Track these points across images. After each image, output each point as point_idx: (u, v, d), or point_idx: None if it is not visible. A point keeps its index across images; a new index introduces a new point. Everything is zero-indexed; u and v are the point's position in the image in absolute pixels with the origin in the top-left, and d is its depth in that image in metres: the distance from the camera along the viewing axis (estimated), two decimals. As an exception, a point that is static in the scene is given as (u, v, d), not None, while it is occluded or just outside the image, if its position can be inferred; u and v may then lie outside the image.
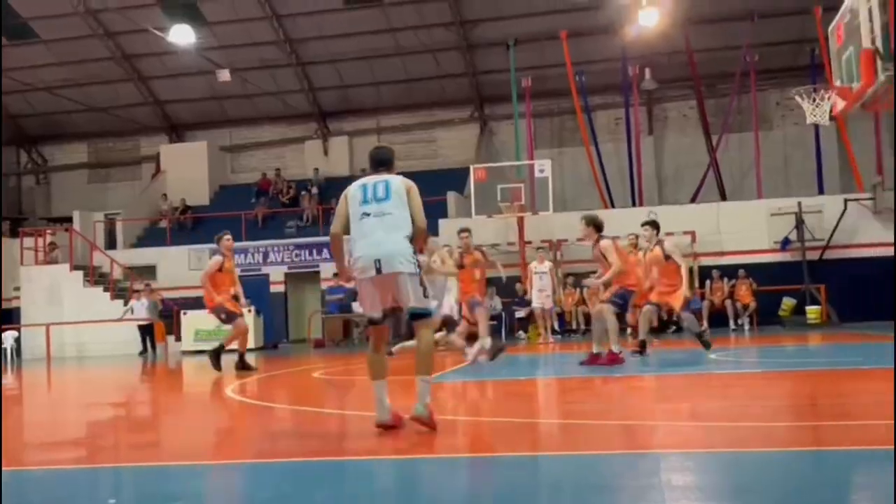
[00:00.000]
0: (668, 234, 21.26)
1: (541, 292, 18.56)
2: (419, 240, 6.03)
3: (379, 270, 5.78)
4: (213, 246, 24.83)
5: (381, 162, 6.27)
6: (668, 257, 11.31)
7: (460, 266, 11.87)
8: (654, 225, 11.61)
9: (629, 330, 13.73)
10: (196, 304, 22.22)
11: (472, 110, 28.24)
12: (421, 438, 5.61)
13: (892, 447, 4.30)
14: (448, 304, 12.29)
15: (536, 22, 24.65)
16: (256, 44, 26.58)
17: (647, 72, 25.07)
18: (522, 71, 24.85)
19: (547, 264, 19.02)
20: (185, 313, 21.36)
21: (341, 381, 11.52)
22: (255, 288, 24.16)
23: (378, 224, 5.87)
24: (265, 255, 24.87)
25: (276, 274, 24.78)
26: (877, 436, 5.21)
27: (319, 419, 7.28)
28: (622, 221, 22.50)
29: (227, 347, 12.84)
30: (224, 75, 25.00)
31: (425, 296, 5.89)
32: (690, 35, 24.08)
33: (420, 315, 5.91)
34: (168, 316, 22.38)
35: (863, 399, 7.17)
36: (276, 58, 27.11)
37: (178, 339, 21.51)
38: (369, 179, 6.09)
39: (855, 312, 20.31)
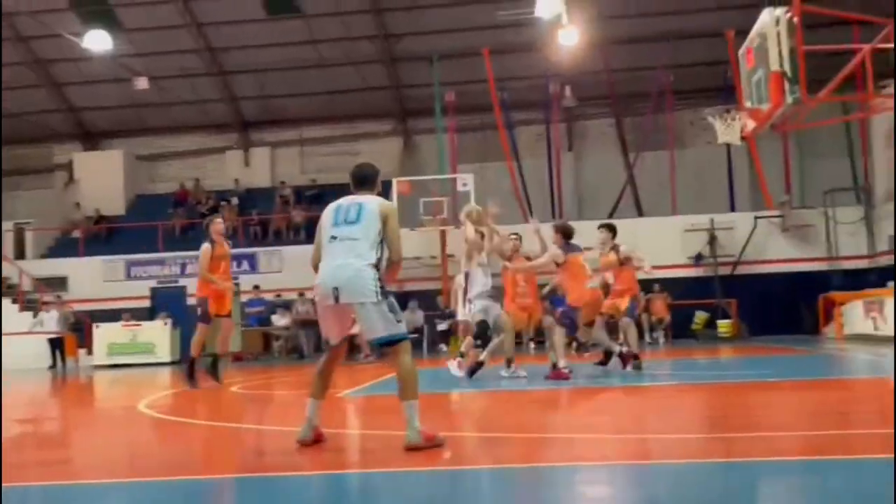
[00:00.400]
0: (587, 248, 21.72)
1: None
2: (393, 270, 5.72)
3: (337, 300, 5.53)
4: (130, 257, 24.30)
5: (361, 180, 5.95)
6: (623, 262, 11.29)
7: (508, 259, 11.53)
8: (610, 228, 11.51)
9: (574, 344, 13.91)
10: (109, 316, 21.72)
11: (395, 123, 28.28)
12: (336, 454, 5.57)
13: (809, 457, 4.45)
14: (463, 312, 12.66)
15: (460, 38, 24.87)
16: (176, 52, 26.12)
17: (568, 89, 25.53)
18: (446, 85, 25.04)
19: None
20: (97, 326, 20.79)
21: (260, 395, 11.36)
22: (172, 300, 23.74)
23: (342, 249, 5.59)
24: (183, 267, 24.40)
25: (194, 286, 24.22)
26: (783, 447, 5.39)
27: (235, 435, 7.17)
28: (543, 235, 22.87)
29: (221, 353, 12.16)
30: (142, 83, 24.51)
31: (397, 319, 5.59)
32: (609, 55, 24.62)
33: (392, 342, 5.61)
34: (80, 329, 21.75)
35: (770, 411, 7.39)
36: (196, 66, 26.70)
37: (91, 352, 20.90)
38: (345, 200, 5.81)
39: (764, 326, 21.04)
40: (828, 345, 17.32)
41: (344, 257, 5.57)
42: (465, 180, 22.15)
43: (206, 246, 12.05)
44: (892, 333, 16.34)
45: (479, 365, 11.03)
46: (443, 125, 25.48)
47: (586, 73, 24.88)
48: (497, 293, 11.65)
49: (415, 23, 25.19)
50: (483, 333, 11.63)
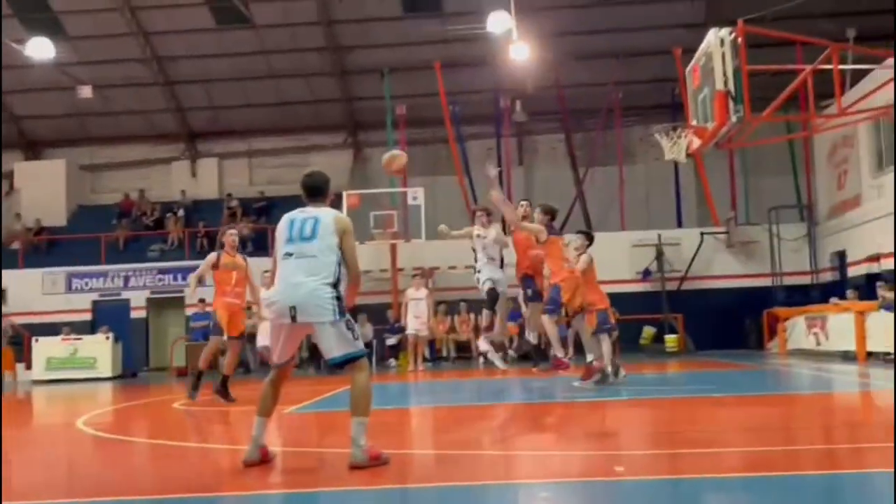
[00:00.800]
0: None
1: (417, 319, 18.42)
2: (352, 288, 5.63)
3: (294, 319, 5.42)
4: (71, 269, 23.79)
5: (313, 191, 5.84)
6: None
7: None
8: (588, 237, 11.47)
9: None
10: (49, 330, 21.18)
11: (345, 136, 28.14)
12: (281, 473, 5.45)
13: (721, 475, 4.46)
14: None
15: (411, 51, 24.87)
16: (122, 60, 25.69)
17: (519, 104, 25.68)
18: (397, 99, 25.00)
19: (423, 291, 18.93)
20: (36, 340, 20.25)
21: (204, 412, 11.12)
22: (115, 313, 23.29)
23: (298, 267, 5.47)
24: (126, 280, 23.97)
25: (138, 299, 23.90)
26: (728, 464, 5.41)
27: (177, 453, 6.98)
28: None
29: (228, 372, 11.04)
30: (85, 91, 24.07)
31: (354, 337, 5.53)
32: (560, 71, 24.82)
33: (350, 360, 5.53)
34: (19, 343, 21.17)
35: (714, 426, 7.44)
36: (142, 76, 26.28)
37: (29, 367, 20.33)
38: (299, 214, 5.69)
39: (709, 341, 21.30)
40: (771, 360, 17.58)
41: (300, 275, 5.46)
42: (416, 194, 22.10)
43: (212, 253, 11.55)
44: (834, 349, 16.67)
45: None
46: (394, 138, 25.42)
47: (537, 88, 25.03)
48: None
49: (366, 35, 25.13)
50: (494, 301, 11.67)
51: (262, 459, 5.58)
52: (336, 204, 23.45)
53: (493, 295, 11.57)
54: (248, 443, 5.63)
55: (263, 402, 5.70)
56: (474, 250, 11.93)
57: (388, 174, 7.86)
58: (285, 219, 5.75)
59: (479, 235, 11.91)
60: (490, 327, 11.69)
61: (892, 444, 5.15)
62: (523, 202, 11.83)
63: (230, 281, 11.05)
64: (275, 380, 5.75)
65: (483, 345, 11.74)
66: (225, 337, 10.91)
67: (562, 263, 10.63)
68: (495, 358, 11.76)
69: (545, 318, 10.47)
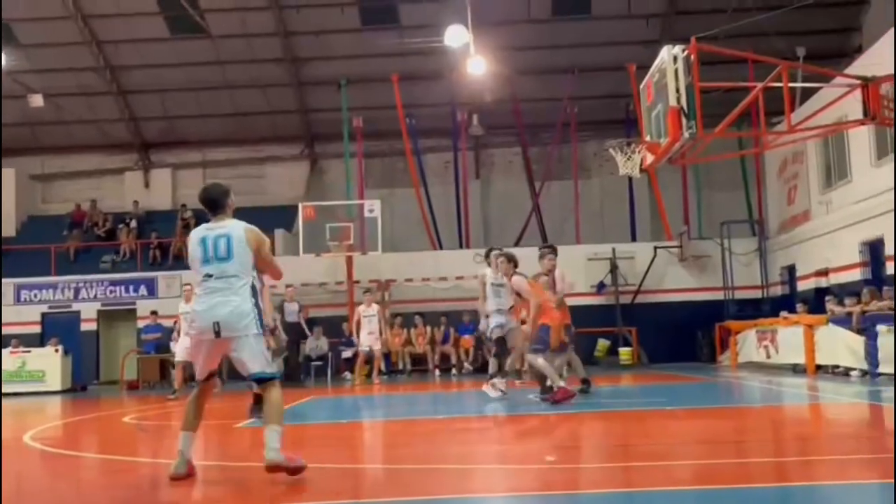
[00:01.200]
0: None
1: (370, 335, 18.02)
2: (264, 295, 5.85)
3: (218, 334, 5.54)
4: (20, 280, 23.28)
5: (213, 205, 5.82)
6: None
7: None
8: (555, 251, 11.56)
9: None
10: (-4, 342, 20.69)
11: (302, 147, 28.01)
12: (211, 487, 5.39)
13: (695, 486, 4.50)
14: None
15: (368, 63, 24.87)
16: (74, 69, 25.32)
17: (475, 118, 25.79)
18: (354, 111, 24.97)
19: (375, 307, 18.59)
20: (-17, 352, 19.76)
21: (155, 426, 10.96)
22: (65, 325, 22.85)
23: (219, 287, 5.59)
24: (76, 291, 23.54)
25: (88, 311, 23.47)
26: (679, 476, 5.46)
27: (125, 468, 6.86)
28: (450, 262, 22.97)
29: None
30: (37, 100, 23.64)
31: (269, 357, 5.72)
32: (516, 85, 25.00)
33: (265, 379, 5.67)
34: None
35: (667, 439, 7.51)
36: (95, 85, 25.92)
37: (-25, 380, 19.83)
38: (209, 232, 5.71)
39: (662, 354, 21.54)
40: (723, 373, 17.81)
41: (222, 294, 5.58)
42: (373, 206, 22.06)
43: None
44: (784, 362, 16.94)
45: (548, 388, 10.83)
46: (350, 150, 25.38)
47: (493, 102, 25.18)
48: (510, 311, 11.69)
49: (323, 47, 25.08)
50: (502, 351, 11.70)
51: (189, 473, 5.64)
52: (292, 216, 23.51)
53: (503, 343, 11.60)
54: (176, 457, 5.66)
55: (187, 418, 5.78)
56: (484, 292, 11.77)
57: None
58: (195, 238, 5.77)
59: (496, 284, 11.75)
60: (494, 376, 11.56)
61: (892, 456, 5.26)
62: (501, 257, 11.73)
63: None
64: (198, 396, 5.84)
65: (492, 392, 11.36)
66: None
67: (549, 304, 10.66)
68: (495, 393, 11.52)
69: (533, 357, 10.42)
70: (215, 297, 5.59)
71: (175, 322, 17.35)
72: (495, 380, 11.47)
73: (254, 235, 5.74)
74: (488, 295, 11.67)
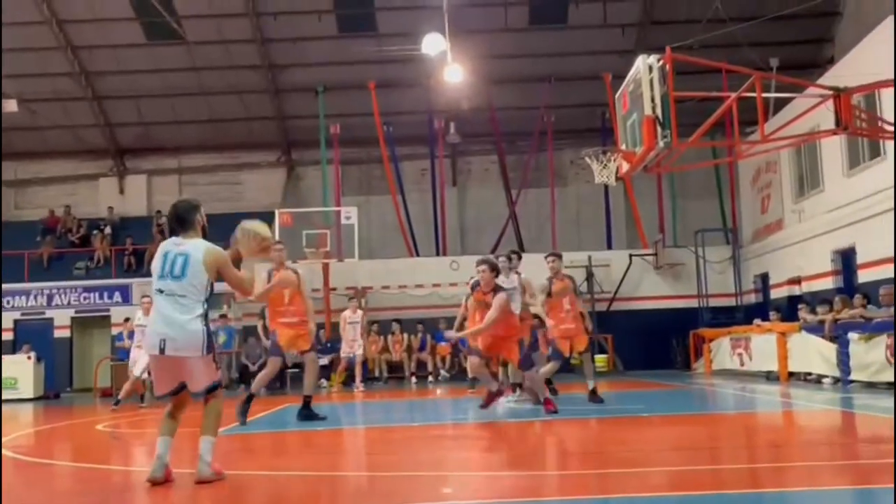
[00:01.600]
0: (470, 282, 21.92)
1: (353, 342, 18.29)
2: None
3: (162, 351, 5.60)
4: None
5: (180, 223, 5.88)
6: (575, 291, 11.29)
7: (549, 294, 11.30)
8: (560, 256, 11.54)
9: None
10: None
11: (279, 154, 27.94)
12: (188, 496, 5.37)
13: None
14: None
15: (346, 70, 24.88)
16: (49, 74, 25.14)
17: (452, 126, 25.86)
18: (331, 118, 24.95)
19: (359, 313, 18.72)
20: (-47, 360, 19.50)
21: (128, 434, 10.87)
22: (38, 332, 22.61)
23: (169, 304, 5.67)
24: (49, 298, 23.33)
25: (62, 318, 23.26)
26: (654, 483, 5.50)
27: (98, 476, 6.81)
28: (427, 270, 22.99)
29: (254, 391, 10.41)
30: (10, 105, 23.40)
31: (217, 367, 5.81)
32: (493, 93, 25.10)
33: (207, 393, 5.80)
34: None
35: (641, 446, 7.56)
36: (70, 90, 25.73)
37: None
38: (172, 248, 5.79)
39: (637, 361, 21.66)
40: (697, 380, 17.94)
41: (170, 311, 5.64)
42: (349, 213, 22.04)
43: (263, 272, 10.61)
44: (757, 369, 17.09)
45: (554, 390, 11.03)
46: (327, 157, 25.35)
47: (470, 110, 25.27)
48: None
49: (300, 54, 25.06)
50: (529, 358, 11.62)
51: (166, 478, 5.66)
52: (269, 222, 23.38)
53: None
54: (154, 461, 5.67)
55: (164, 424, 5.83)
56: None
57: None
58: (161, 249, 5.86)
59: (508, 289, 11.58)
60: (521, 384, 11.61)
61: (888, 460, 5.32)
62: (550, 258, 11.68)
63: (283, 300, 10.33)
64: (171, 411, 5.90)
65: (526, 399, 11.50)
66: (279, 359, 10.34)
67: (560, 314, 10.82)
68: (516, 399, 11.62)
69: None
70: (164, 312, 5.66)
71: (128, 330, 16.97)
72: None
73: (213, 258, 5.74)
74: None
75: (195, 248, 5.76)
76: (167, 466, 5.65)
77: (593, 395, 11.19)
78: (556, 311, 11.35)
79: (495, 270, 9.69)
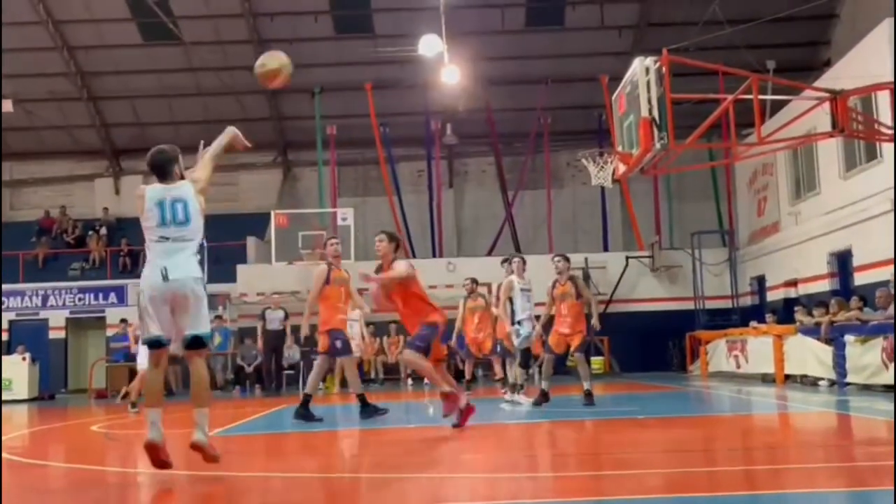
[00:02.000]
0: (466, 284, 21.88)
1: (351, 341, 17.62)
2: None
3: (165, 277, 5.70)
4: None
5: (165, 168, 6.10)
6: (579, 295, 11.32)
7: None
8: (567, 258, 11.67)
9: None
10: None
11: (275, 155, 27.91)
12: (194, 498, 5.34)
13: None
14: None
15: (342, 72, 24.86)
16: (45, 75, 25.09)
17: (449, 127, 25.86)
18: (327, 119, 24.92)
19: (357, 312, 17.74)
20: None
21: (124, 435, 10.83)
22: (33, 333, 22.57)
23: (176, 249, 5.81)
24: (45, 299, 23.29)
25: (57, 319, 23.22)
26: (650, 485, 5.49)
27: (92, 477, 6.77)
28: (423, 271, 22.92)
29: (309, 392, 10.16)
30: (6, 105, 23.38)
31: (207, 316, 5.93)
32: (490, 95, 25.10)
33: (198, 344, 5.86)
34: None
35: (637, 448, 7.54)
36: (66, 90, 25.69)
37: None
38: (166, 195, 5.93)
39: (633, 363, 21.64)
40: (693, 382, 17.94)
41: (181, 257, 5.79)
42: (346, 214, 22.03)
43: (321, 267, 10.38)
44: (753, 371, 17.09)
45: (545, 395, 11.15)
46: (324, 158, 25.32)
47: (467, 111, 25.27)
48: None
49: (297, 55, 24.81)
50: (527, 362, 12.02)
51: (164, 455, 5.74)
52: (264, 224, 23.37)
53: (529, 352, 11.93)
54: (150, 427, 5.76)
55: (149, 392, 5.96)
56: (506, 298, 11.84)
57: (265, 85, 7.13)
58: (153, 197, 5.93)
59: (525, 289, 11.79)
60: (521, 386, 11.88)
61: (892, 462, 5.31)
62: (557, 257, 11.84)
63: (341, 297, 10.25)
64: (155, 367, 5.93)
65: (523, 400, 11.62)
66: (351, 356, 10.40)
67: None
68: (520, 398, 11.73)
69: (409, 353, 9.25)
70: (174, 257, 5.78)
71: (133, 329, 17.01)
72: (519, 392, 11.80)
73: (196, 188, 6.05)
74: (518, 301, 11.77)
75: (186, 191, 5.99)
76: (163, 434, 5.72)
77: (588, 397, 11.20)
78: (556, 315, 11.51)
79: (394, 241, 9.27)
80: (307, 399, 10.12)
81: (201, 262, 5.97)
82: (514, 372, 12.00)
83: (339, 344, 10.11)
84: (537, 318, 12.11)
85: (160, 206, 5.88)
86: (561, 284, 11.54)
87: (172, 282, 5.71)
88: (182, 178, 6.16)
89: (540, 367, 20.81)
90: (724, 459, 6.81)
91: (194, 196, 5.98)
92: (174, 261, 5.78)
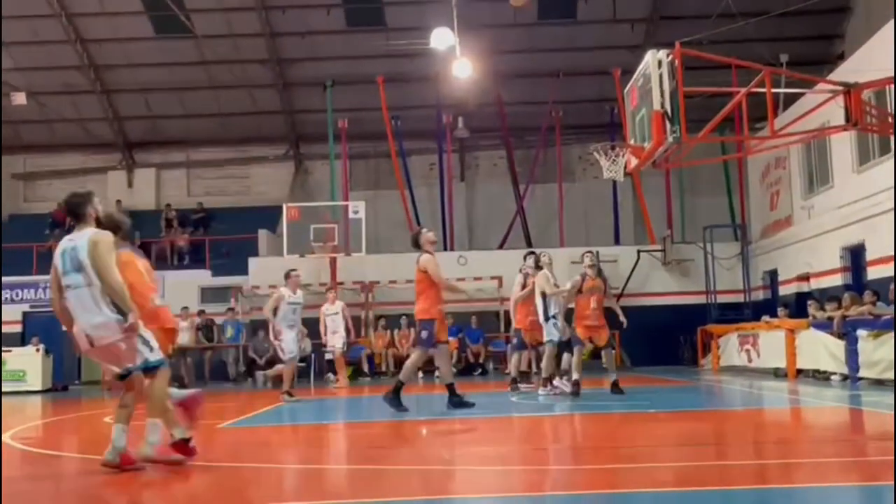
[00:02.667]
0: (477, 278, 21.94)
1: (335, 334, 17.03)
2: (123, 302, 5.78)
3: (92, 344, 5.79)
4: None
5: (72, 215, 6.06)
6: (605, 290, 11.93)
7: (579, 290, 11.99)
8: (596, 255, 11.97)
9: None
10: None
11: (287, 148, 27.96)
12: (208, 489, 5.37)
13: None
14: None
15: (354, 65, 24.86)
16: (58, 68, 25.19)
17: (460, 120, 25.82)
18: (339, 112, 24.92)
19: (339, 304, 17.48)
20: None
21: (135, 426, 10.89)
22: (46, 325, 22.60)
23: (75, 299, 5.81)
24: (58, 291, 23.33)
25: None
26: (661, 479, 5.49)
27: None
28: (434, 265, 22.94)
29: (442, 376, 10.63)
30: (19, 98, 23.48)
31: (150, 348, 5.95)
32: (502, 88, 25.05)
33: (152, 368, 5.98)
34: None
35: (648, 441, 7.54)
36: (79, 83, 25.78)
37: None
38: (67, 243, 5.92)
39: (645, 357, 21.59)
40: (705, 376, 17.90)
41: (80, 308, 5.77)
42: (357, 207, 22.03)
43: (428, 256, 10.74)
44: (765, 366, 17.04)
45: (577, 384, 11.71)
46: (335, 151, 25.33)
47: (479, 104, 25.22)
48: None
49: (309, 48, 25.05)
50: (563, 353, 12.51)
51: (124, 464, 5.92)
52: (276, 217, 23.41)
53: (565, 345, 12.39)
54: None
55: (117, 413, 6.11)
56: (545, 301, 12.24)
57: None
58: (58, 247, 5.97)
59: (557, 285, 12.33)
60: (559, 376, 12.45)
61: (892, 457, 5.30)
62: (588, 253, 12.67)
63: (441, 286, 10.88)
64: (123, 399, 6.14)
65: (566, 388, 12.04)
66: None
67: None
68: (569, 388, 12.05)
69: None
70: (76, 309, 5.81)
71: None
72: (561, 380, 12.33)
73: (92, 243, 5.83)
74: (552, 297, 12.15)
75: (81, 239, 5.88)
76: (122, 451, 5.87)
77: (615, 387, 11.63)
78: (583, 308, 12.00)
79: None
80: (451, 388, 10.38)
81: (108, 300, 5.79)
82: (547, 364, 12.19)
83: (424, 335, 10.52)
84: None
85: (62, 255, 5.90)
86: (591, 279, 11.94)
87: (99, 347, 5.83)
88: (98, 219, 6.14)
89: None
90: (735, 454, 6.80)
91: (86, 247, 5.82)
92: (80, 316, 5.81)
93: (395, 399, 10.13)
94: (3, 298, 22.75)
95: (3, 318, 22.77)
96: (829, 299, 15.59)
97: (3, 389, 18.86)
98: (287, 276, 13.24)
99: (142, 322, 5.92)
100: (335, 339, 17.07)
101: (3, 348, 20.19)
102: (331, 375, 19.95)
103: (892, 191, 14.79)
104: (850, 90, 11.42)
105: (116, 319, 5.76)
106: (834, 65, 21.12)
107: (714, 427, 8.77)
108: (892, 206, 14.97)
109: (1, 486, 5.26)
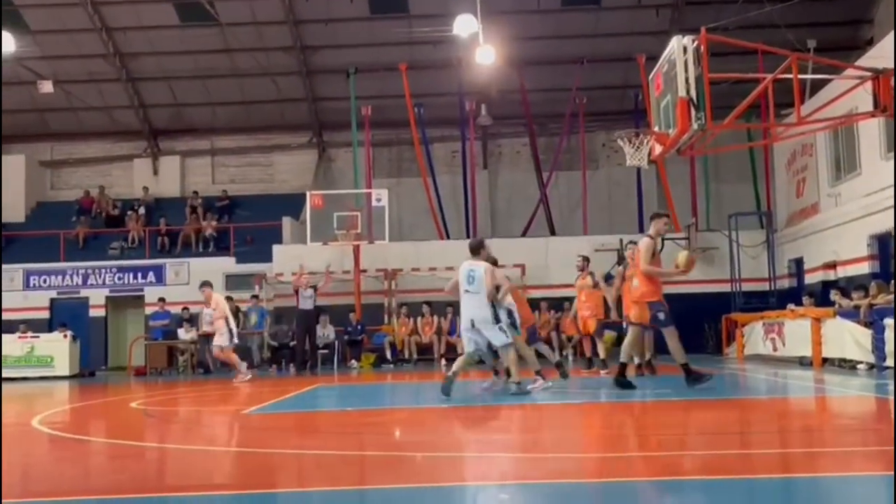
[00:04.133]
0: (500, 266, 21.86)
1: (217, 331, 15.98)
2: None
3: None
4: (29, 266, 23.27)
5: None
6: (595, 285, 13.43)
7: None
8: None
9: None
10: (5, 328, 20.78)
11: (310, 136, 28.04)
12: (237, 474, 5.41)
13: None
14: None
15: (377, 52, 24.86)
16: (84, 56, 25.41)
17: (483, 108, 25.75)
18: (362, 99, 24.94)
19: (215, 301, 16.00)
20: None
21: (162, 412, 11.02)
22: (73, 311, 22.97)
23: None
24: (85, 278, 23.65)
25: (97, 297, 23.58)
26: (685, 467, 5.48)
27: (132, 453, 6.91)
28: (457, 252, 22.91)
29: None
30: (46, 87, 23.72)
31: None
32: (525, 75, 24.95)
33: None
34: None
35: (671, 430, 7.52)
36: (105, 71, 25.99)
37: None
38: None
39: (666, 346, 21.46)
40: (729, 364, 17.79)
41: None
42: (380, 195, 22.06)
43: (647, 240, 11.01)
44: (790, 355, 16.92)
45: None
46: (359, 139, 25.36)
47: (502, 92, 25.15)
48: None
49: (332, 36, 25.07)
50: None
51: None
52: (299, 204, 23.52)
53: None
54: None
55: None
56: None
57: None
58: None
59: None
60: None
61: (892, 448, 5.26)
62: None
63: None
64: None
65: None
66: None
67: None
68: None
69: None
70: None
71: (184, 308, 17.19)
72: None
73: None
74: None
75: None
76: None
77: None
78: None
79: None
80: (623, 367, 10.88)
81: None
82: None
83: (661, 316, 10.84)
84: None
85: None
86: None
87: None
88: None
89: (574, 348, 20.81)
90: (760, 442, 6.77)
91: None
92: None
93: (693, 378, 10.60)
94: (29, 285, 23.05)
95: (31, 305, 23.10)
96: (856, 288, 15.44)
97: (32, 375, 19.17)
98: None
99: None
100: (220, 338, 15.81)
101: (31, 334, 20.45)
102: (354, 362, 20.09)
103: (921, 178, 14.58)
104: (878, 76, 11.26)
105: None
106: (863, 50, 20.83)
107: (739, 415, 8.72)
108: (921, 193, 14.77)
109: (1, 469, 5.33)
